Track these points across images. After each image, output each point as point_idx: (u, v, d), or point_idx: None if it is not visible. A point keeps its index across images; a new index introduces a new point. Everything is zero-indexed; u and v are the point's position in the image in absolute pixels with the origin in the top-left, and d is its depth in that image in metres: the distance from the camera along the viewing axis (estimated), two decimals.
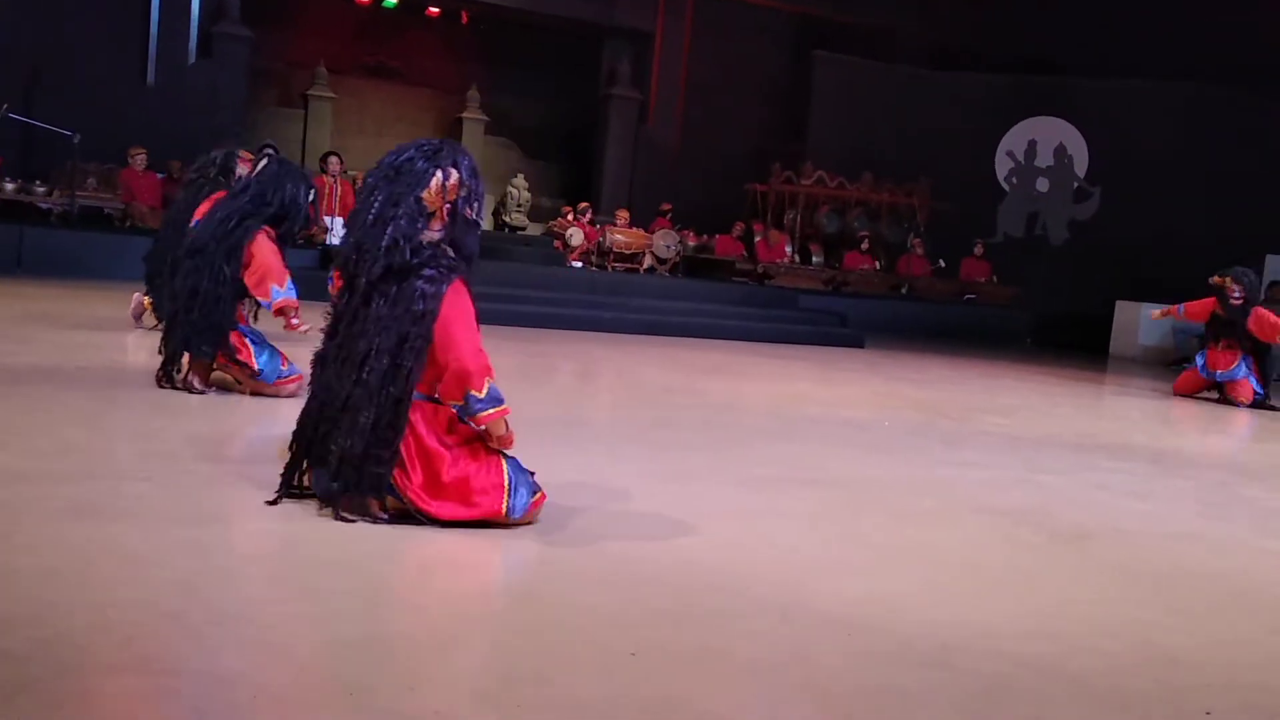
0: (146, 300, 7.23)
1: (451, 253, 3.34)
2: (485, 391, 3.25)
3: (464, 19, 18.26)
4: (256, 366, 5.24)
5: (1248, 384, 9.33)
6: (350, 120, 17.76)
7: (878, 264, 16.23)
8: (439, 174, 3.30)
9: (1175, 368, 12.00)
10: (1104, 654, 2.77)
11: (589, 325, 11.00)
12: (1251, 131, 16.33)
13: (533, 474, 3.44)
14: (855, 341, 12.12)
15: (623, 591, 2.91)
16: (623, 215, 15.28)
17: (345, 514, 3.25)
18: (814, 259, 15.91)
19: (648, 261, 14.83)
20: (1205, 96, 16.63)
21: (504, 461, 3.35)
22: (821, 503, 4.26)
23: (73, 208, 11.98)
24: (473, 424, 3.34)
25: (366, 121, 17.78)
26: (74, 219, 11.91)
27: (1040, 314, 15.78)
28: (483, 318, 3.37)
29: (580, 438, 5.27)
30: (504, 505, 3.31)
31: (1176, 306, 10.20)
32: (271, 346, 5.35)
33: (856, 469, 5.07)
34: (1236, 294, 9.38)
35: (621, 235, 14.73)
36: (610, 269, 14.37)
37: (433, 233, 3.31)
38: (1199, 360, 9.67)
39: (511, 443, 3.39)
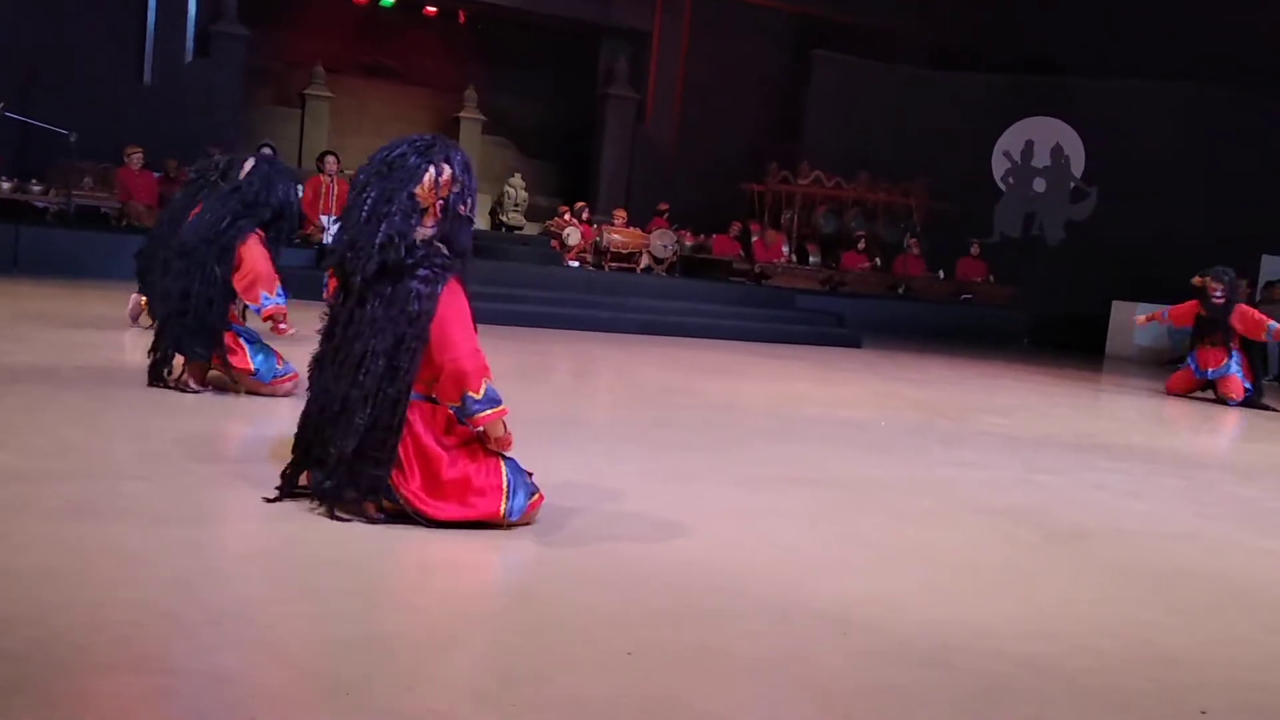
0: (143, 300, 7.22)
1: (445, 250, 3.31)
2: (483, 393, 3.23)
3: (461, 18, 18.24)
4: (252, 366, 5.23)
5: (1237, 380, 9.39)
6: (348, 120, 17.74)
7: (877, 262, 16.22)
8: (432, 169, 3.27)
9: (1171, 367, 12.02)
10: (1102, 653, 2.77)
11: (586, 325, 10.99)
12: (1248, 131, 16.34)
13: (530, 474, 3.42)
14: (852, 341, 12.12)
15: (621, 591, 2.91)
16: (620, 215, 15.27)
17: (341, 514, 3.24)
18: (811, 259, 15.90)
19: (645, 261, 14.82)
20: (1202, 96, 16.64)
21: (503, 463, 3.33)
22: (820, 503, 4.26)
23: (69, 207, 11.96)
24: (470, 425, 3.32)
25: (364, 121, 17.74)
26: (70, 218, 11.89)
27: (1037, 314, 15.79)
28: (479, 317, 3.36)
29: (578, 437, 5.27)
30: (502, 508, 3.29)
31: (1161, 311, 10.26)
32: (266, 345, 5.33)
33: (855, 469, 5.07)
34: (1218, 293, 9.47)
35: (619, 235, 14.72)
36: (607, 269, 14.37)
37: (426, 229, 3.28)
38: (1190, 361, 9.74)
39: (510, 445, 3.37)
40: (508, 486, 3.30)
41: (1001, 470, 5.32)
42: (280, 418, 4.67)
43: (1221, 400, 9.41)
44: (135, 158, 12.66)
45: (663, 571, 3.11)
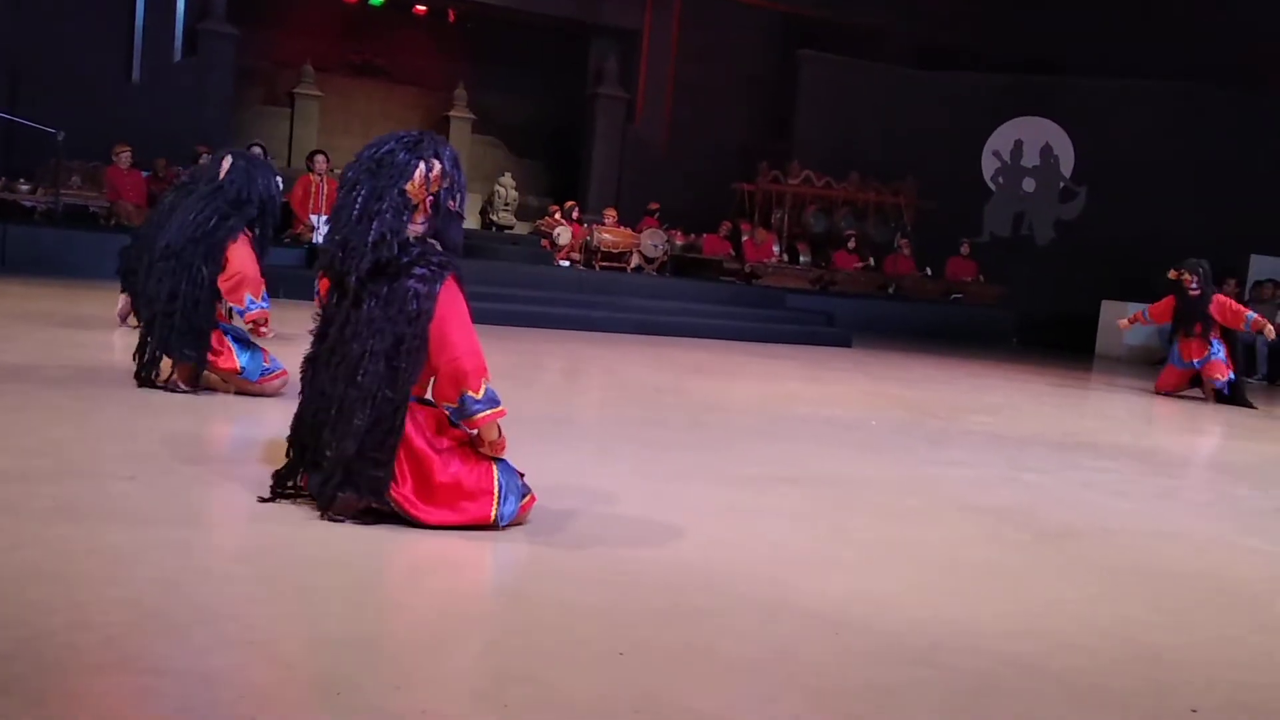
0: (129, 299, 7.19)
1: (439, 247, 3.29)
2: (482, 393, 3.22)
3: (451, 17, 18.23)
4: (238, 365, 5.20)
5: (1221, 363, 9.48)
6: (337, 119, 17.72)
7: (871, 262, 16.23)
8: (422, 165, 3.24)
9: (1160, 367, 12.07)
10: (1090, 652, 2.78)
11: (577, 324, 10.99)
12: (1238, 131, 16.41)
13: (522, 475, 3.41)
14: (842, 341, 12.14)
15: (613, 590, 2.91)
16: (610, 214, 15.27)
17: (335, 515, 3.22)
18: (801, 258, 15.92)
19: (635, 260, 14.83)
20: (1191, 96, 16.70)
21: (494, 467, 3.31)
22: (810, 501, 4.26)
23: (57, 206, 11.92)
24: (465, 427, 3.30)
25: (353, 120, 17.74)
26: (58, 217, 11.84)
27: (1026, 313, 15.83)
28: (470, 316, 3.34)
29: (569, 437, 5.27)
30: (493, 513, 3.27)
31: (1141, 311, 10.31)
32: (253, 344, 5.31)
33: (844, 468, 5.08)
34: (1194, 285, 9.56)
35: (609, 234, 14.73)
36: (597, 268, 14.36)
37: (416, 226, 3.26)
38: (1172, 356, 9.80)
39: (503, 449, 3.35)
40: (499, 491, 3.28)
41: (989, 469, 5.34)
42: (269, 418, 4.66)
43: (1210, 383, 9.44)
44: (124, 157, 12.61)
45: (654, 570, 3.11)
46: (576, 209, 15.82)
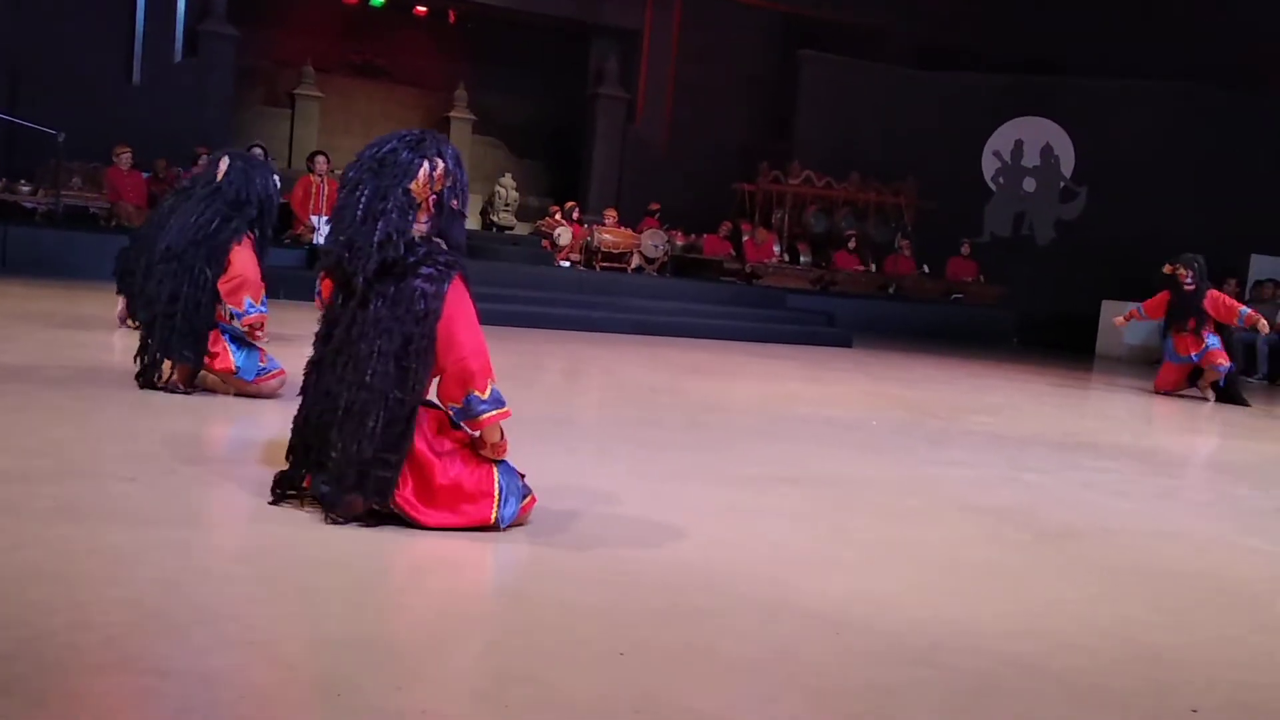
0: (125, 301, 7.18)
1: (444, 246, 3.28)
2: (488, 393, 3.21)
3: (451, 18, 18.23)
4: (233, 365, 5.19)
5: (1220, 351, 9.49)
6: (337, 119, 17.73)
7: (872, 267, 16.23)
8: (426, 165, 3.22)
9: (1159, 366, 12.07)
10: (1090, 652, 2.78)
11: (577, 325, 10.99)
12: (1238, 131, 16.41)
13: (523, 476, 3.40)
14: (843, 341, 12.14)
15: (613, 591, 2.91)
16: (611, 214, 15.28)
17: (338, 516, 3.21)
18: (802, 258, 15.93)
19: (636, 261, 14.83)
20: (1191, 97, 16.70)
21: (495, 469, 3.30)
22: (811, 502, 4.26)
23: (57, 207, 11.93)
24: (468, 428, 3.29)
25: (353, 120, 17.75)
26: (59, 218, 11.85)
27: (1026, 314, 15.83)
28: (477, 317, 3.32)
29: (570, 437, 5.27)
30: (494, 514, 3.26)
31: (1136, 308, 10.31)
32: (250, 343, 5.29)
33: (845, 468, 5.08)
34: (1189, 279, 9.58)
35: (609, 235, 14.73)
36: (598, 268, 14.37)
37: (420, 225, 3.24)
38: (1168, 352, 9.80)
39: (504, 451, 3.34)
40: (500, 493, 3.27)
41: (990, 469, 5.34)
42: (269, 418, 4.66)
43: (1213, 370, 9.43)
44: (124, 157, 12.63)
45: (654, 571, 3.11)
46: (577, 209, 15.83)
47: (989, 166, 17.83)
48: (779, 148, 17.05)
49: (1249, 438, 7.93)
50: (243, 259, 5.11)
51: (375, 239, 3.14)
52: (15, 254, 10.60)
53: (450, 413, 3.30)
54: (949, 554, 3.67)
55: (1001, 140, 17.75)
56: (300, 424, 3.33)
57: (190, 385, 5.17)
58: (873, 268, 16.22)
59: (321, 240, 11.45)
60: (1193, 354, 9.57)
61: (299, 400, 3.38)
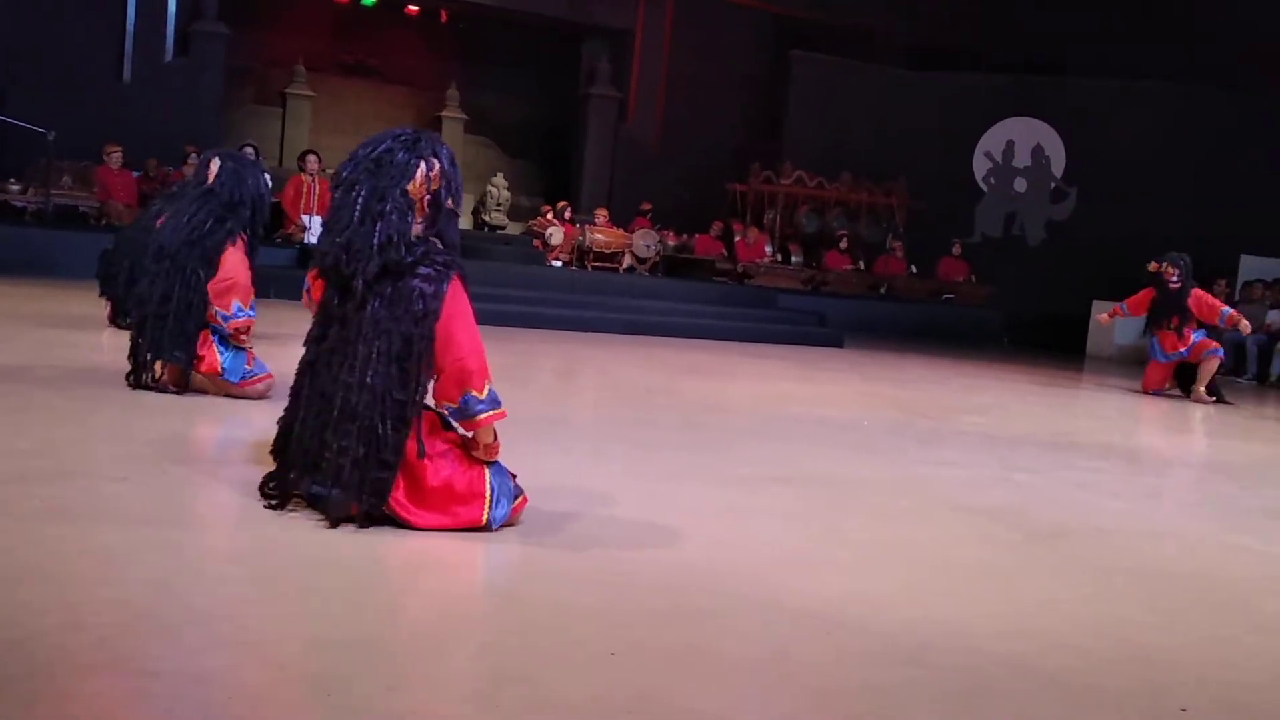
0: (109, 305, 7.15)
1: (440, 245, 3.26)
2: (486, 393, 3.20)
3: (443, 17, 18.21)
4: (219, 368, 5.16)
5: (1208, 340, 9.55)
6: (329, 119, 17.68)
7: (861, 265, 16.25)
8: (423, 165, 3.21)
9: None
10: (1082, 652, 2.79)
11: (569, 325, 10.99)
12: (1228, 132, 16.46)
13: (515, 476, 3.40)
14: (834, 341, 12.16)
15: (607, 591, 2.90)
16: (602, 214, 15.27)
17: (333, 517, 3.19)
18: (793, 259, 15.94)
19: (627, 261, 14.82)
20: (1182, 97, 16.74)
21: (486, 470, 3.29)
22: (804, 502, 4.27)
23: (48, 206, 11.87)
24: (464, 428, 3.28)
25: (345, 120, 17.69)
26: (49, 217, 11.79)
27: (1017, 314, 15.86)
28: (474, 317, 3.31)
29: (563, 437, 5.26)
30: (485, 516, 3.25)
31: (1120, 305, 10.34)
32: (238, 346, 5.26)
33: (838, 468, 5.08)
34: (1175, 278, 9.61)
35: (601, 234, 14.72)
36: (590, 268, 14.36)
37: (415, 224, 3.22)
38: (1153, 350, 9.82)
39: (497, 453, 3.33)
40: (491, 495, 3.26)
41: (981, 469, 5.35)
42: (260, 419, 4.64)
43: (1210, 357, 9.45)
44: (115, 157, 12.57)
45: (648, 571, 3.11)
46: (569, 209, 15.82)
47: (980, 167, 17.87)
48: (771, 148, 17.06)
49: (1239, 437, 7.96)
50: (234, 261, 5.09)
51: (376, 241, 3.12)
52: (5, 253, 10.53)
53: (445, 413, 3.29)
54: (941, 554, 3.68)
55: (993, 141, 17.78)
56: (290, 425, 3.30)
57: (181, 386, 5.14)
58: (861, 265, 16.23)
59: (313, 240, 11.45)
60: (1181, 349, 9.60)
61: (290, 400, 3.36)
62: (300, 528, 3.17)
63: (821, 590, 3.09)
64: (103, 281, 7.32)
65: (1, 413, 4.38)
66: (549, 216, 15.47)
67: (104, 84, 14.25)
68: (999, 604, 3.15)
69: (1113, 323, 11.61)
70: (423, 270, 3.16)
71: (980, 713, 2.35)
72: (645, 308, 12.20)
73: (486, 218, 17.85)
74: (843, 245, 16.15)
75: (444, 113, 18.02)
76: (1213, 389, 9.50)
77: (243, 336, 5.17)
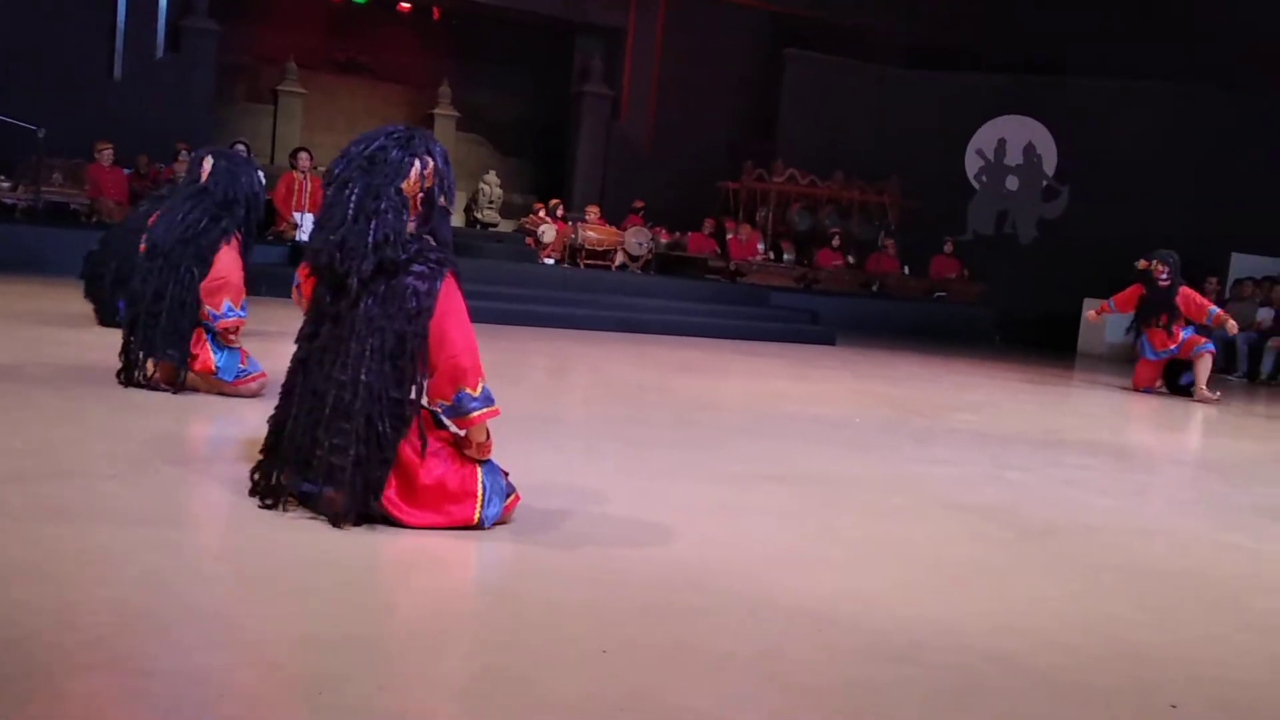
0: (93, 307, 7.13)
1: (434, 243, 3.26)
2: (479, 390, 3.21)
3: (435, 14, 18.17)
4: (213, 366, 5.14)
5: (1198, 337, 9.60)
6: (320, 116, 17.65)
7: (849, 260, 16.26)
8: (417, 163, 3.21)
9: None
10: (1073, 649, 2.80)
11: (561, 322, 10.99)
12: (1220, 131, 16.48)
13: (507, 474, 3.40)
14: (826, 339, 12.17)
15: (599, 588, 2.91)
16: (594, 212, 15.26)
17: (327, 516, 3.19)
18: (786, 256, 15.95)
19: (620, 258, 14.83)
20: (1174, 96, 16.76)
21: (479, 468, 3.30)
22: (796, 499, 4.28)
23: (38, 203, 11.83)
24: (457, 426, 3.28)
25: (337, 117, 17.67)
26: (39, 214, 11.76)
27: (1009, 312, 15.89)
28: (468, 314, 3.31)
29: (557, 434, 5.27)
30: (477, 515, 3.26)
31: (1107, 303, 10.37)
32: (232, 344, 5.25)
33: (830, 466, 5.10)
34: (1164, 275, 9.65)
35: (594, 232, 14.72)
36: (582, 266, 14.36)
37: (409, 222, 3.22)
38: (1143, 348, 9.85)
39: (490, 451, 3.34)
40: (483, 493, 3.27)
41: (973, 467, 5.36)
42: (253, 417, 4.64)
43: (1202, 353, 9.47)
44: (105, 153, 12.53)
45: (640, 568, 3.12)
46: (561, 207, 15.81)
47: (972, 165, 17.88)
48: (764, 146, 17.06)
49: (1229, 435, 7.99)
50: (227, 260, 5.07)
51: (371, 239, 3.11)
52: None
53: (439, 410, 3.29)
54: (933, 552, 3.69)
55: (984, 139, 17.79)
56: (282, 422, 3.30)
57: (174, 384, 5.12)
58: (850, 259, 16.24)
59: (304, 237, 11.43)
60: (1171, 347, 9.63)
61: (282, 397, 3.36)
62: (293, 527, 3.17)
63: (813, 588, 3.10)
64: (88, 283, 7.29)
65: None
66: (541, 214, 15.47)
67: (95, 80, 14.21)
68: (990, 602, 3.16)
69: (1104, 321, 11.64)
70: (416, 268, 3.16)
71: (971, 710, 2.37)
72: (637, 305, 12.21)
73: (479, 215, 17.83)
74: (835, 243, 16.16)
75: (436, 110, 17.99)
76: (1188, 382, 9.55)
77: (231, 336, 5.16)
